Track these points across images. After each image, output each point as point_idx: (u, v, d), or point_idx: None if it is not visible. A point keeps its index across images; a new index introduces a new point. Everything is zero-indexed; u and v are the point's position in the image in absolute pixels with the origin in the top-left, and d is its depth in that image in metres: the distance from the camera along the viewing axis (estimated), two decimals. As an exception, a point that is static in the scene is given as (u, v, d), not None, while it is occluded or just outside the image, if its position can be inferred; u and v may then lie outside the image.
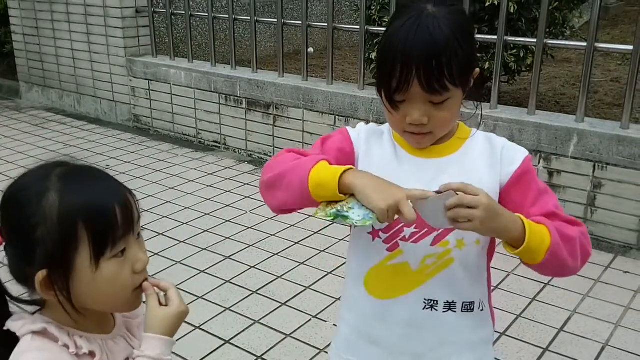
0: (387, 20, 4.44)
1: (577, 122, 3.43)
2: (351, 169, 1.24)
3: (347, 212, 1.21)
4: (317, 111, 4.30)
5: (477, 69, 1.28)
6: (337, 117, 4.21)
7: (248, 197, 4.04)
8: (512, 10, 4.12)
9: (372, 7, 4.61)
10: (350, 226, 1.34)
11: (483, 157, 1.31)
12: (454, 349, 1.37)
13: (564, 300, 2.84)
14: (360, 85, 4.19)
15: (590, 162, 3.32)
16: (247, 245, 3.39)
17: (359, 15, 4.79)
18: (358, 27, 4.20)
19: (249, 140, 4.78)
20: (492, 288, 1.44)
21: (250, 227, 3.60)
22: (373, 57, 4.57)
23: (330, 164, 1.27)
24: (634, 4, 9.64)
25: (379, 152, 1.37)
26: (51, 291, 1.00)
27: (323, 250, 3.32)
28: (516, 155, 1.31)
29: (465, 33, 1.23)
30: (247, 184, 4.27)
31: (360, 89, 4.18)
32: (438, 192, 1.18)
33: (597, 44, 3.41)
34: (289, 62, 4.48)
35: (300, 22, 4.43)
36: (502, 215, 1.18)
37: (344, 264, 3.17)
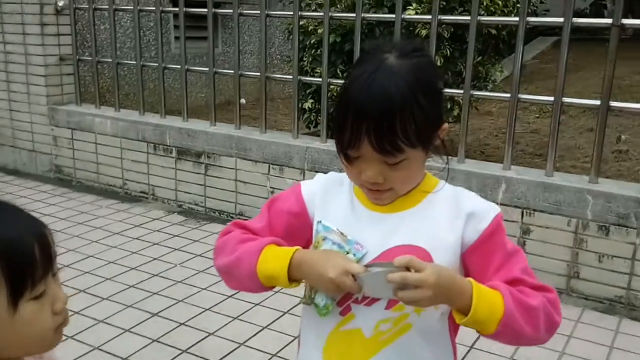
0: (318, 71, 4.48)
1: (505, 169, 3.51)
2: (296, 252, 1.19)
3: (314, 297, 1.22)
4: (251, 160, 4.23)
5: (446, 125, 1.20)
6: (271, 165, 4.15)
7: (178, 249, 3.88)
8: (439, 64, 4.24)
9: (304, 59, 4.64)
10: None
11: (445, 213, 1.22)
12: None
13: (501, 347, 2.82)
14: (295, 134, 4.15)
15: (519, 208, 3.38)
16: (176, 301, 3.21)
17: (290, 66, 4.82)
18: (291, 76, 4.19)
19: (179, 190, 4.64)
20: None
21: (180, 281, 3.43)
22: (306, 107, 4.59)
23: (279, 244, 1.24)
24: (547, 62, 10.23)
25: (336, 205, 1.29)
26: None
27: (258, 304, 3.19)
28: (485, 213, 1.21)
29: (428, 89, 1.14)
30: (177, 235, 4.11)
31: (294, 138, 4.15)
32: (380, 264, 1.13)
33: (520, 95, 3.52)
34: (220, 112, 4.42)
35: (232, 71, 4.39)
36: (451, 288, 1.10)
37: (280, 317, 3.05)
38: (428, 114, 1.13)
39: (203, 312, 3.10)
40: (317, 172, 3.86)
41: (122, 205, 4.69)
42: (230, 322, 3.01)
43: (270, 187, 4.18)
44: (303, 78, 4.24)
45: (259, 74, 4.26)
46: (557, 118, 3.41)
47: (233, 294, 3.27)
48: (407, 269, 1.07)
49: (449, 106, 4.49)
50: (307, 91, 4.58)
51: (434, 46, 3.59)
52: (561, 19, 3.29)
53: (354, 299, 1.22)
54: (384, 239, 1.21)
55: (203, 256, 3.75)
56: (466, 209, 1.21)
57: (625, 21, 3.11)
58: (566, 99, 3.39)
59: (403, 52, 1.14)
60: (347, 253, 1.20)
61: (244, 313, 3.09)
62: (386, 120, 1.09)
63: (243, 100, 7.71)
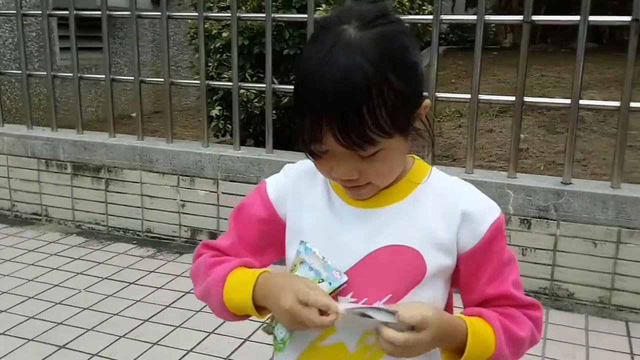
0: (226, 76, 4.27)
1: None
2: (259, 277, 1.05)
3: (275, 328, 1.07)
4: (158, 172, 3.93)
5: (427, 102, 1.02)
6: (180, 177, 3.87)
7: (80, 273, 3.50)
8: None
9: (209, 64, 4.42)
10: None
11: (438, 207, 1.07)
12: None
13: None
14: (205, 142, 3.91)
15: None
16: (85, 330, 2.87)
17: (195, 71, 4.58)
18: (198, 82, 3.95)
19: (76, 210, 4.23)
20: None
21: (87, 308, 3.09)
22: (214, 115, 4.36)
23: (248, 265, 1.10)
24: (440, 69, 10.51)
25: (310, 201, 1.12)
26: None
27: (179, 326, 2.92)
28: (485, 215, 1.06)
29: (399, 64, 0.94)
30: (78, 258, 3.72)
31: (205, 146, 3.90)
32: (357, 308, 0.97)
33: (437, 94, 3.50)
34: (116, 126, 4.10)
35: (132, 78, 4.08)
36: (446, 336, 0.99)
37: (205, 338, 2.80)
38: (402, 94, 0.94)
39: (117, 339, 2.79)
40: (232, 181, 3.71)
41: (11, 230, 4.21)
42: (149, 348, 2.73)
43: (181, 200, 3.90)
44: (212, 83, 4.00)
45: (162, 80, 3.98)
46: (475, 118, 3.41)
47: (150, 318, 2.98)
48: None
49: None
50: (214, 98, 4.35)
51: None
52: (474, 17, 3.30)
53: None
54: (368, 240, 1.05)
55: (111, 279, 3.42)
56: (462, 207, 1.06)
57: (535, 17, 3.16)
58: (483, 96, 3.40)
59: (364, 22, 0.95)
60: (322, 281, 1.02)
61: (164, 338, 2.81)
62: (350, 107, 0.90)
63: (134, 114, 7.36)
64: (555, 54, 10.53)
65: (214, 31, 4.28)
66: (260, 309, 1.06)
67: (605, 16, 3.70)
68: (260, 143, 4.49)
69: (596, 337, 2.82)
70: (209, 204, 3.82)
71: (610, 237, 3.01)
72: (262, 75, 4.23)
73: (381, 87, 0.91)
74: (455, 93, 6.45)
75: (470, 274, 1.08)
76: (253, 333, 2.81)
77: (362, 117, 0.91)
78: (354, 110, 0.90)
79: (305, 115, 0.94)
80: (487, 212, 1.07)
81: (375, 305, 0.98)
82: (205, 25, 4.27)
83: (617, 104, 3.07)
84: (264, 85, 3.78)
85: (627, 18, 2.94)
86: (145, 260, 3.70)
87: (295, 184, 1.15)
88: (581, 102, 3.10)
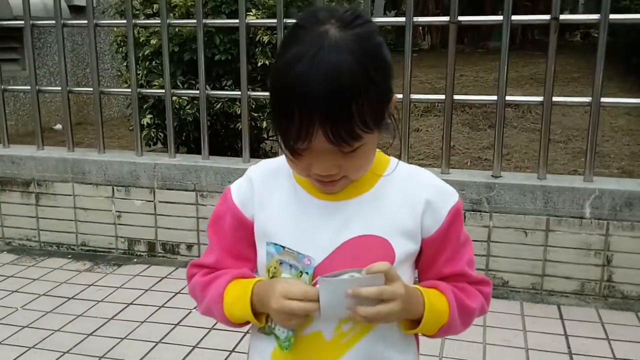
0: (156, 84, 4.22)
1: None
2: (254, 289, 1.10)
3: (275, 329, 1.12)
4: (91, 183, 3.83)
5: (394, 97, 1.06)
6: (115, 187, 3.79)
7: (16, 291, 3.37)
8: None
9: (139, 72, 4.34)
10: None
11: (403, 196, 1.12)
12: None
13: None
14: (139, 151, 3.84)
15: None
16: (26, 348, 2.77)
17: (123, 80, 4.50)
18: (129, 90, 3.89)
19: (5, 226, 4.05)
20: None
21: (26, 326, 2.97)
22: (145, 123, 4.29)
23: (240, 276, 1.15)
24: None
25: (277, 200, 1.14)
26: None
27: (124, 338, 2.86)
28: (444, 201, 1.13)
29: (378, 62, 0.99)
30: (12, 276, 3.58)
31: (138, 155, 3.83)
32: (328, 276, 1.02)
33: None
34: (33, 140, 3.94)
35: (59, 88, 3.96)
36: (411, 301, 1.06)
37: (153, 348, 2.76)
38: (381, 90, 0.99)
39: (61, 355, 2.71)
40: (169, 189, 3.67)
41: None
42: (97, 362, 2.67)
43: (117, 212, 3.82)
44: (143, 91, 3.94)
45: (91, 89, 3.88)
46: (407, 115, 3.52)
47: (93, 332, 2.90)
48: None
49: (269, 111, 4.37)
50: (144, 106, 4.28)
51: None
52: (403, 19, 3.41)
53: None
54: (339, 231, 1.09)
55: (49, 295, 3.31)
56: (425, 195, 1.12)
57: (461, 18, 3.30)
58: (415, 96, 3.52)
59: (344, 22, 0.98)
60: (302, 273, 1.07)
61: (110, 350, 2.75)
62: (341, 106, 0.93)
63: (59, 126, 7.09)
64: (472, 54, 10.97)
65: (142, 38, 4.21)
66: (259, 315, 1.11)
67: (526, 15, 3.90)
68: (193, 150, 4.45)
69: (532, 322, 2.98)
70: (146, 213, 3.77)
71: (540, 225, 3.19)
72: (193, 82, 4.20)
73: (366, 85, 0.95)
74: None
75: (430, 256, 1.14)
76: (201, 340, 2.79)
77: (352, 115, 0.94)
78: (345, 108, 0.94)
79: (294, 114, 0.95)
80: (447, 198, 1.13)
81: (344, 271, 1.02)
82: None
83: (540, 99, 3.26)
84: (198, 92, 3.76)
85: (547, 17, 3.13)
86: (83, 274, 3.60)
87: (260, 185, 1.17)
88: (507, 98, 3.26)
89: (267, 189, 1.16)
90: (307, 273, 1.07)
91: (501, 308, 3.11)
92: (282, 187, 1.15)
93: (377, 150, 1.16)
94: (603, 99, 3.18)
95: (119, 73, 4.68)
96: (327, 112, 0.93)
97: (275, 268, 1.10)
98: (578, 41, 9.41)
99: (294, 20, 1.06)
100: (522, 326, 2.93)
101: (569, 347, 2.76)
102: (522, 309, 3.10)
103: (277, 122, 1.01)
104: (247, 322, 1.15)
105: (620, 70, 7.55)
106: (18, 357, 2.70)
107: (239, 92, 3.68)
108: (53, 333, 2.91)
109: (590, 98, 3.19)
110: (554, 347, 2.76)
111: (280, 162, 1.18)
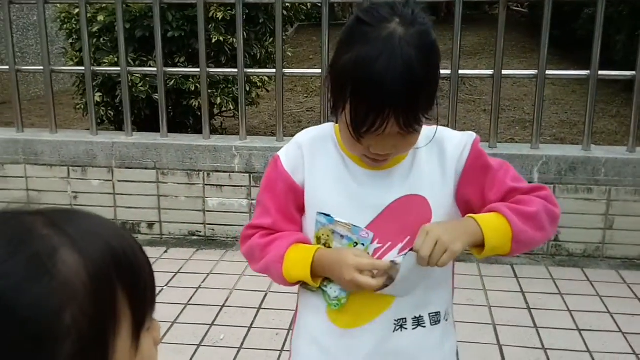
0: (106, 61, 4.13)
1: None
2: (315, 256, 1.20)
3: (326, 285, 1.22)
4: (44, 164, 3.73)
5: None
6: (70, 168, 3.71)
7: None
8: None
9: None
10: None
11: (433, 157, 1.25)
12: None
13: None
14: (93, 130, 3.77)
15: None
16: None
17: (69, 57, 4.37)
18: (82, 68, 3.79)
19: (-49, 212, 3.89)
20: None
21: None
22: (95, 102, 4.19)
23: (300, 241, 1.24)
24: (296, 46, 10.75)
25: (325, 165, 1.25)
26: None
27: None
28: (464, 144, 1.25)
29: (436, 58, 1.13)
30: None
31: (93, 134, 3.76)
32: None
33: (285, 70, 3.62)
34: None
35: (6, 67, 3.81)
36: (458, 228, 1.16)
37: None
38: (436, 80, 1.13)
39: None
40: (128, 168, 3.64)
41: None
42: None
43: (72, 192, 3.75)
44: (97, 69, 3.86)
45: (41, 67, 3.76)
46: (326, 94, 3.59)
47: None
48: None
49: (247, 89, 4.44)
50: (93, 84, 4.17)
51: (241, 29, 3.55)
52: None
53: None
54: (385, 194, 1.21)
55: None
56: (448, 146, 1.25)
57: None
58: None
59: (407, 20, 1.09)
60: (356, 244, 1.19)
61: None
62: (413, 98, 1.07)
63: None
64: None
65: (89, 15, 4.09)
66: (315, 279, 1.22)
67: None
68: (144, 128, 4.40)
69: (490, 281, 3.20)
70: (105, 193, 3.72)
71: (493, 191, 3.40)
72: (145, 59, 4.14)
73: (430, 77, 1.09)
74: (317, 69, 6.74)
75: (475, 194, 1.25)
76: (178, 316, 2.84)
77: (419, 104, 1.08)
78: (415, 100, 1.07)
79: (373, 105, 1.06)
80: (465, 140, 1.26)
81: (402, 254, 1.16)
82: (79, 10, 4.09)
83: (490, 72, 3.45)
84: (155, 69, 3.72)
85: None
86: (43, 258, 3.53)
87: (309, 151, 1.26)
88: (460, 72, 3.43)
89: (315, 156, 1.26)
90: (362, 245, 1.17)
91: (461, 270, 3.32)
92: (330, 155, 1.25)
93: None
94: (548, 72, 3.40)
95: (63, 50, 4.53)
96: (402, 104, 1.06)
97: (327, 237, 1.20)
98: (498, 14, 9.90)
99: (356, 15, 1.13)
100: (482, 286, 3.14)
101: (526, 302, 3.00)
102: (480, 270, 3.32)
103: (353, 112, 1.09)
104: (298, 283, 1.25)
105: (538, 42, 7.95)
106: None
107: (198, 69, 3.67)
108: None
109: (537, 71, 3.40)
110: (513, 303, 2.99)
111: (326, 130, 1.28)
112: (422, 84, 1.07)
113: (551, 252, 3.44)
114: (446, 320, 1.30)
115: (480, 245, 1.17)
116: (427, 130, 1.26)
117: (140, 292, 0.68)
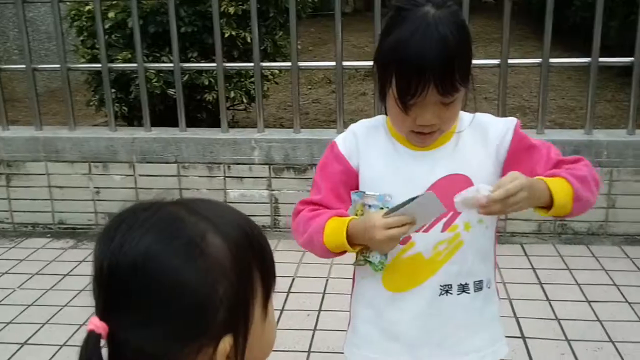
0: (119, 58, 4.23)
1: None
2: (348, 225, 1.32)
3: (369, 256, 1.37)
4: (65, 161, 3.84)
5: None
6: (92, 164, 3.82)
7: (6, 272, 3.39)
8: (248, 40, 4.29)
9: (97, 47, 4.31)
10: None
11: (476, 140, 1.39)
12: (470, 330, 1.41)
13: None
14: (112, 127, 3.88)
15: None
16: (40, 324, 2.85)
17: (80, 54, 4.46)
18: (99, 65, 3.89)
19: (-25, 210, 3.99)
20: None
21: (31, 305, 3.03)
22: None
23: (339, 215, 1.36)
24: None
25: (377, 149, 1.41)
26: None
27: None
28: (506, 127, 1.39)
29: (467, 34, 1.29)
30: (-4, 258, 3.57)
31: (113, 130, 3.87)
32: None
33: (300, 63, 3.78)
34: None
35: (23, 66, 3.90)
36: (535, 187, 1.25)
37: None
38: (469, 56, 1.29)
39: (79, 328, 2.81)
40: (148, 163, 3.75)
41: None
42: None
43: (94, 188, 3.86)
44: (114, 65, 3.96)
45: (58, 65, 3.86)
46: (341, 84, 3.72)
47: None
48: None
49: (235, 81, 4.46)
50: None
51: (256, 23, 3.66)
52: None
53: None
54: (430, 173, 1.36)
55: (42, 274, 3.36)
56: (491, 130, 1.39)
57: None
58: (347, 63, 3.71)
59: (438, 4, 1.26)
60: (381, 208, 1.32)
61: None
62: (448, 66, 1.22)
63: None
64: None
65: (100, 12, 4.18)
66: (353, 245, 1.34)
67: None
68: (159, 123, 4.50)
69: (502, 260, 3.33)
70: (126, 187, 3.83)
71: (501, 175, 3.57)
72: (158, 55, 4.24)
73: (462, 50, 1.25)
74: (317, 61, 6.87)
75: (524, 170, 1.33)
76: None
77: (454, 72, 1.23)
78: (450, 67, 1.22)
79: (413, 75, 1.22)
80: (506, 124, 1.41)
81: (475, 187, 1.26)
82: (89, 7, 4.18)
83: (497, 61, 3.60)
84: (172, 65, 3.83)
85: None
86: (69, 252, 3.65)
87: (363, 138, 1.43)
88: (468, 62, 3.58)
89: (369, 143, 1.42)
90: (387, 207, 1.31)
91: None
92: (381, 141, 1.42)
93: None
94: (551, 60, 3.57)
95: (74, 48, 4.61)
96: (438, 71, 1.22)
97: (361, 211, 1.35)
98: (491, 2, 10.00)
99: (394, 5, 1.31)
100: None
101: (537, 278, 3.18)
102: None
103: (398, 83, 1.26)
104: (342, 253, 1.38)
105: (533, 30, 8.13)
106: (34, 333, 2.78)
107: (214, 64, 3.79)
108: (62, 308, 3.00)
109: (541, 59, 3.57)
110: (525, 279, 3.17)
111: (378, 121, 1.46)
112: (455, 53, 1.22)
113: (557, 230, 3.62)
114: (488, 287, 1.44)
115: (544, 206, 1.29)
116: (468, 117, 1.42)
117: (267, 267, 0.82)
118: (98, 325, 0.73)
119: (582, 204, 1.31)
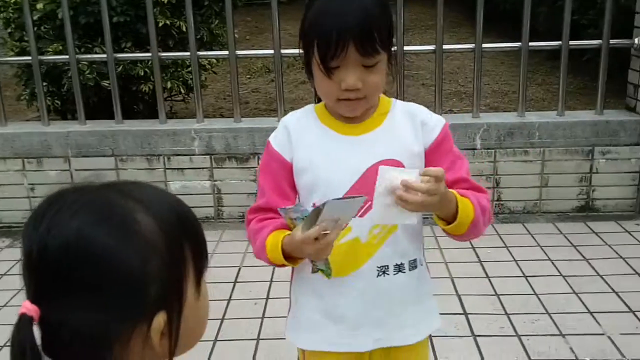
0: (50, 50, 4.08)
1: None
2: (282, 244, 1.34)
3: (317, 264, 1.41)
4: (-3, 158, 3.70)
5: (394, 40, 1.40)
6: (25, 160, 3.69)
7: (-63, 275, 3.25)
8: (184, 29, 4.22)
9: (25, 39, 4.15)
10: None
11: (407, 126, 1.43)
12: (407, 307, 1.46)
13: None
14: (45, 121, 3.76)
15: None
16: None
17: (9, 47, 4.29)
18: (29, 58, 3.76)
19: None
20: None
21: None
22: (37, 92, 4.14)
23: (277, 228, 1.38)
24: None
25: (310, 138, 1.43)
26: (165, 339, 0.79)
27: None
28: (436, 123, 1.43)
29: (386, 3, 1.38)
30: None
31: (46, 125, 3.75)
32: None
33: (238, 52, 3.79)
34: None
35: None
36: (447, 198, 1.29)
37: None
38: (389, 25, 1.36)
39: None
40: (85, 157, 3.66)
41: None
42: None
43: (29, 185, 3.73)
44: (45, 58, 3.83)
45: (-14, 58, 3.70)
46: (280, 73, 3.73)
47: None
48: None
49: (172, 71, 4.36)
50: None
51: (191, 11, 3.61)
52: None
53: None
54: (364, 159, 1.39)
55: (-23, 274, 3.23)
56: (420, 118, 1.44)
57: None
58: (285, 51, 3.70)
59: None
60: (304, 219, 1.30)
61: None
62: (365, 24, 1.28)
63: None
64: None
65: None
66: (296, 260, 1.38)
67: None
68: (93, 115, 4.38)
69: (444, 241, 3.45)
70: (63, 183, 3.72)
71: (440, 158, 3.65)
72: (90, 46, 4.12)
73: (381, 16, 1.32)
74: (255, 50, 6.83)
75: (432, 166, 1.39)
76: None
77: (372, 31, 1.29)
78: (369, 29, 1.28)
79: (332, 36, 1.26)
80: (437, 119, 1.45)
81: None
82: (15, -1, 4.02)
83: (432, 47, 3.68)
84: (104, 56, 3.74)
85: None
86: (6, 251, 3.53)
87: (294, 129, 1.44)
88: (406, 48, 3.65)
89: (301, 131, 1.44)
90: (306, 216, 1.30)
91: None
92: (312, 129, 1.44)
93: (381, 96, 1.46)
94: (484, 45, 3.68)
95: (1, 41, 4.41)
96: (357, 30, 1.27)
97: (292, 224, 1.35)
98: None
99: None
100: (437, 245, 3.40)
101: (477, 256, 3.29)
102: (434, 231, 3.57)
103: (320, 47, 1.30)
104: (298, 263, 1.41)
105: (467, 17, 8.32)
106: None
107: (149, 54, 3.72)
108: (0, 309, 2.90)
109: (474, 45, 3.67)
110: (466, 257, 3.27)
111: (307, 110, 1.48)
112: (373, 15, 1.29)
113: (495, 210, 3.74)
114: (422, 265, 1.49)
115: (445, 218, 1.34)
116: (401, 103, 1.47)
117: (198, 245, 0.83)
118: (30, 308, 0.73)
119: (474, 230, 1.36)
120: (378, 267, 1.41)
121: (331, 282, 1.41)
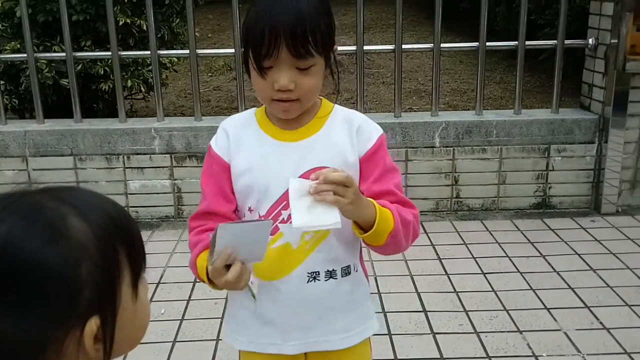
0: (7, 48, 4.01)
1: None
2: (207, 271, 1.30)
3: (249, 288, 1.39)
4: (-49, 158, 3.61)
5: (336, 47, 1.38)
6: (-20, 160, 3.62)
7: None
8: (144, 28, 4.19)
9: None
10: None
11: (344, 134, 1.41)
12: (339, 312, 1.46)
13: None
14: (2, 120, 3.69)
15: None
16: None
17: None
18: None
19: None
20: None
21: None
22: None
23: (204, 248, 1.35)
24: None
25: (247, 144, 1.42)
26: (99, 344, 0.78)
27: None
28: (372, 133, 1.41)
29: (326, 8, 1.35)
30: None
31: (2, 124, 3.68)
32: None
33: (199, 51, 3.79)
34: None
35: None
36: (362, 203, 1.28)
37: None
38: (328, 28, 1.33)
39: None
40: (43, 156, 3.60)
41: None
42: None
43: (-16, 184, 3.66)
44: (1, 56, 3.76)
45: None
46: (241, 71, 3.72)
47: None
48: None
49: (132, 69, 4.33)
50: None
51: (151, 10, 3.58)
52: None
53: (280, 220, 1.38)
54: (297, 165, 1.38)
55: None
56: (357, 123, 1.42)
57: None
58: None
59: None
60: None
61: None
62: (299, 24, 1.26)
63: None
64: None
65: (-18, 0, 3.95)
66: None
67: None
68: (52, 115, 4.31)
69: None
70: (20, 183, 3.63)
71: (400, 156, 3.70)
72: (49, 44, 4.06)
73: (318, 18, 1.29)
74: (217, 48, 6.81)
75: (363, 175, 1.43)
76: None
77: (306, 33, 1.26)
78: (302, 27, 1.26)
79: (265, 35, 1.25)
80: (374, 128, 1.44)
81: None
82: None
83: (391, 47, 3.72)
84: (63, 54, 3.68)
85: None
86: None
87: (234, 132, 1.44)
88: (365, 47, 3.69)
89: (239, 136, 1.43)
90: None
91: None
92: (251, 133, 1.43)
93: (323, 98, 1.47)
94: (442, 45, 3.73)
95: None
96: (290, 30, 1.25)
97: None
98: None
99: None
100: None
101: (437, 253, 3.34)
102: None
103: (252, 47, 1.29)
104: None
105: (426, 16, 8.42)
106: None
107: (109, 53, 3.67)
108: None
109: (432, 44, 3.72)
110: (425, 255, 3.32)
111: (248, 114, 1.47)
112: (308, 16, 1.27)
113: (454, 208, 3.81)
114: (356, 271, 1.48)
115: (362, 226, 1.33)
116: (342, 110, 1.46)
117: (134, 249, 0.83)
118: None
119: (394, 242, 1.35)
120: (308, 273, 1.40)
121: (263, 286, 1.41)
